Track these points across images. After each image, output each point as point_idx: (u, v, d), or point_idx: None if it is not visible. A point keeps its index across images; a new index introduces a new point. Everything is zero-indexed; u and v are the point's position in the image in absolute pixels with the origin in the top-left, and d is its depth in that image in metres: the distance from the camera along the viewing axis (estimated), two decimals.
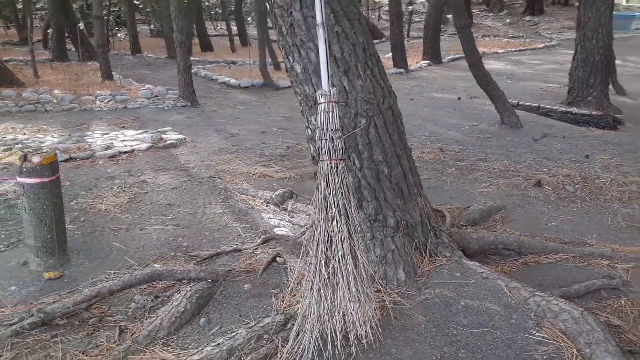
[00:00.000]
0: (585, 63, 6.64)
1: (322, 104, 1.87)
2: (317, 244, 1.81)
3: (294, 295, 2.19)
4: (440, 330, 1.94)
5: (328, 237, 1.79)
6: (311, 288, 1.79)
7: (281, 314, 1.98)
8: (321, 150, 1.86)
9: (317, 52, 2.20)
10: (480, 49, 13.41)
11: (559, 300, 2.00)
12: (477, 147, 5.18)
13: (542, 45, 14.37)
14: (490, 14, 20.87)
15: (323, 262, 1.76)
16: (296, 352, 1.75)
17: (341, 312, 1.73)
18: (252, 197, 3.51)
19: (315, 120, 2.05)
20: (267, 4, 2.37)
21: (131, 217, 3.27)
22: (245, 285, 2.31)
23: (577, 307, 1.96)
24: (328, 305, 1.74)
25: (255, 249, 2.71)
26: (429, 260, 2.36)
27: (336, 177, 1.82)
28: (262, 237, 2.80)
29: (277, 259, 2.51)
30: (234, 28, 15.71)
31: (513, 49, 13.66)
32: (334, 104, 1.86)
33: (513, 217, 3.51)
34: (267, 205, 3.36)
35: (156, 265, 2.58)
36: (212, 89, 8.54)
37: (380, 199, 2.34)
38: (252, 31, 15.92)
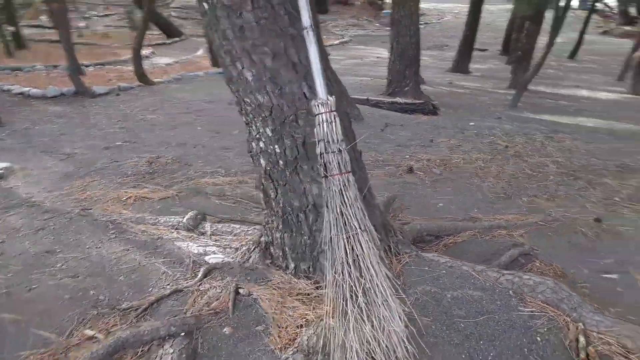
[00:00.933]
0: (402, 57, 7.45)
1: (323, 114, 1.72)
2: (343, 266, 1.66)
3: (286, 328, 1.98)
4: (449, 327, 1.98)
5: (351, 256, 1.66)
6: (345, 316, 1.63)
7: (298, 352, 1.77)
8: (329, 164, 1.71)
9: (273, 56, 2.01)
10: None
11: (529, 274, 2.23)
12: None
13: (337, 41, 15.60)
14: None
15: (355, 284, 1.62)
16: None
17: (386, 333, 1.62)
18: (154, 226, 3.04)
19: (309, 133, 1.86)
20: (204, 3, 2.04)
21: (2, 276, 2.52)
22: (225, 330, 1.99)
23: (547, 278, 2.21)
24: (369, 329, 1.62)
25: (199, 284, 2.36)
26: (396, 260, 2.38)
27: (350, 192, 1.69)
28: (202, 269, 2.45)
29: (240, 290, 2.23)
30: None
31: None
32: (334, 113, 1.72)
33: (406, 204, 3.77)
34: (177, 232, 2.95)
35: (88, 331, 2.04)
36: (9, 102, 7.04)
37: None
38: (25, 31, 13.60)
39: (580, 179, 4.24)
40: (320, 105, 1.76)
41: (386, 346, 1.61)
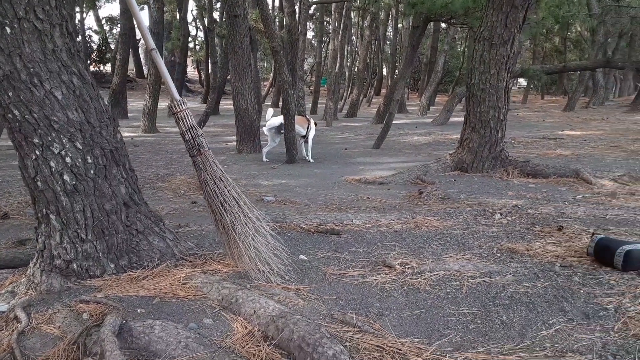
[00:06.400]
0: None
1: (184, 111, 2.36)
2: (232, 207, 2.43)
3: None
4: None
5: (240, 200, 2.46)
6: (248, 235, 2.43)
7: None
8: (201, 144, 2.39)
9: (80, 75, 2.36)
10: None
11: None
12: None
13: None
14: None
15: (241, 215, 2.46)
16: None
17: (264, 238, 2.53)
18: None
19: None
20: (6, 28, 2.05)
21: None
22: None
23: None
24: (259, 239, 2.50)
25: None
26: None
27: (215, 160, 2.46)
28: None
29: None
30: None
31: None
32: (188, 109, 2.41)
33: None
34: None
35: None
36: None
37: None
38: None
39: None
40: (179, 104, 2.33)
41: (266, 241, 2.52)
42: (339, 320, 2.02)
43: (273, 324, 1.94)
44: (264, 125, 8.13)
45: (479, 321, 2.06)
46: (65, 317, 2.14)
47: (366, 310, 2.14)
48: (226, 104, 22.40)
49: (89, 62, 31.46)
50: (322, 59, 24.13)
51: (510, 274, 2.53)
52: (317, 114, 20.90)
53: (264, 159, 7.99)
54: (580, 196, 4.95)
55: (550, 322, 2.06)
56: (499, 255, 2.85)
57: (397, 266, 2.61)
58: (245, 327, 2.01)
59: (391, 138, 10.86)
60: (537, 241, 3.09)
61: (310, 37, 33.92)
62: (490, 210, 3.81)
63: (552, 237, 3.19)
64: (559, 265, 2.67)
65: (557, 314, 2.14)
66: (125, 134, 11.77)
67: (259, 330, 1.98)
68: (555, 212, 3.74)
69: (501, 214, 3.71)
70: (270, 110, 8.40)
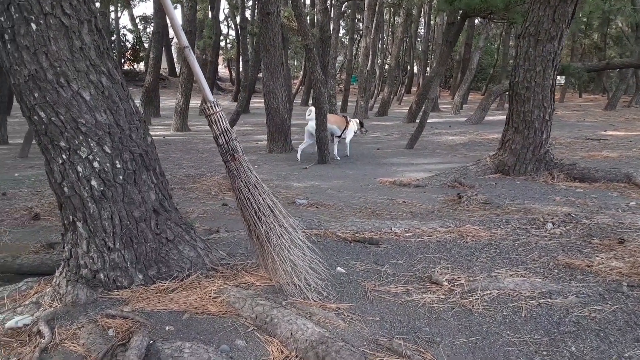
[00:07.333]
0: None
1: (218, 113, 2.20)
2: (267, 216, 2.25)
3: None
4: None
5: (275, 208, 2.28)
6: (283, 246, 2.25)
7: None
8: (235, 148, 2.22)
9: (109, 75, 2.22)
10: None
11: None
12: None
13: None
14: None
15: (277, 226, 2.28)
16: None
17: (299, 248, 2.35)
18: None
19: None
20: (32, 24, 1.92)
21: None
22: None
23: None
24: (294, 250, 2.31)
25: None
26: None
27: (250, 165, 2.29)
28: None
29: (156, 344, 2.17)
30: None
31: None
32: (222, 111, 2.24)
33: None
34: None
35: None
36: None
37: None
38: None
39: None
40: (213, 106, 2.17)
41: (302, 253, 2.33)
42: (385, 347, 1.82)
43: (312, 351, 1.76)
44: (308, 123, 8.03)
45: (544, 352, 1.82)
46: (90, 332, 2.01)
47: (414, 336, 1.93)
48: (256, 102, 22.39)
49: (122, 60, 32.07)
50: (353, 56, 23.84)
51: (572, 294, 2.28)
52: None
53: (298, 156, 7.89)
54: (634, 203, 4.60)
55: (627, 354, 1.82)
56: (556, 271, 2.59)
57: (445, 283, 2.39)
58: (282, 352, 1.83)
59: (424, 137, 10.55)
60: (597, 255, 2.81)
61: (341, 35, 33.67)
62: (541, 219, 3.53)
63: (613, 250, 2.90)
64: (627, 284, 2.40)
65: (633, 344, 1.89)
66: (158, 132, 11.85)
67: (296, 356, 1.80)
68: (613, 222, 3.44)
69: (553, 224, 3.43)
70: (312, 108, 8.25)
